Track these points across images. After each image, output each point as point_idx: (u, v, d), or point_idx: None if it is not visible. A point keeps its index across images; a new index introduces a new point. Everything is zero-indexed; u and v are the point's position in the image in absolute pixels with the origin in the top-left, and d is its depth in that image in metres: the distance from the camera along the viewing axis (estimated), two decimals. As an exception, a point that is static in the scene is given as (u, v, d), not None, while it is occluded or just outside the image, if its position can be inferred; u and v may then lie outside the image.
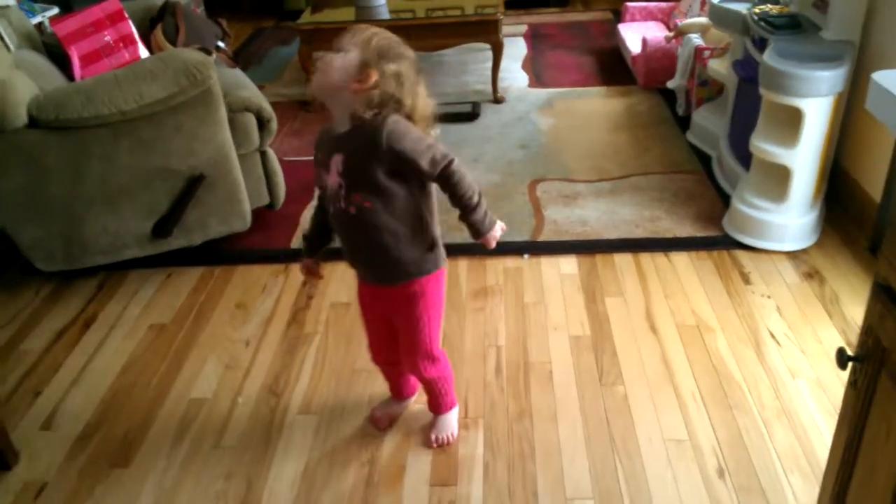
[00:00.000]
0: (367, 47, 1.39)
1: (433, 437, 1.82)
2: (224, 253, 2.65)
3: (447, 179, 1.44)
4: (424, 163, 1.40)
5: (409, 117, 1.43)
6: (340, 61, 1.38)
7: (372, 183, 1.41)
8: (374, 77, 1.37)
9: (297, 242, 2.70)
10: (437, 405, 1.83)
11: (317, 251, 1.68)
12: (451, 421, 1.85)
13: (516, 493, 1.69)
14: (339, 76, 1.38)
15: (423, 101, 1.45)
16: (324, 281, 2.47)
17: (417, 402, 1.94)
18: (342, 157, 1.42)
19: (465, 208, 1.49)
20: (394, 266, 1.53)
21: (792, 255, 2.45)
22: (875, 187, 2.43)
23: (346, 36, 1.41)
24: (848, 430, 1.12)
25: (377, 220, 1.45)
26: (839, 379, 1.88)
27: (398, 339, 1.69)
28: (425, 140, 1.41)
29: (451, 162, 1.42)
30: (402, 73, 1.40)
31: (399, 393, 1.91)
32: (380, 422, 1.88)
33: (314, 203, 1.63)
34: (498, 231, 1.55)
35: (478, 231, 1.52)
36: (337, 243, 1.61)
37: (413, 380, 1.90)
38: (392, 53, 1.40)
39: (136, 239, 2.48)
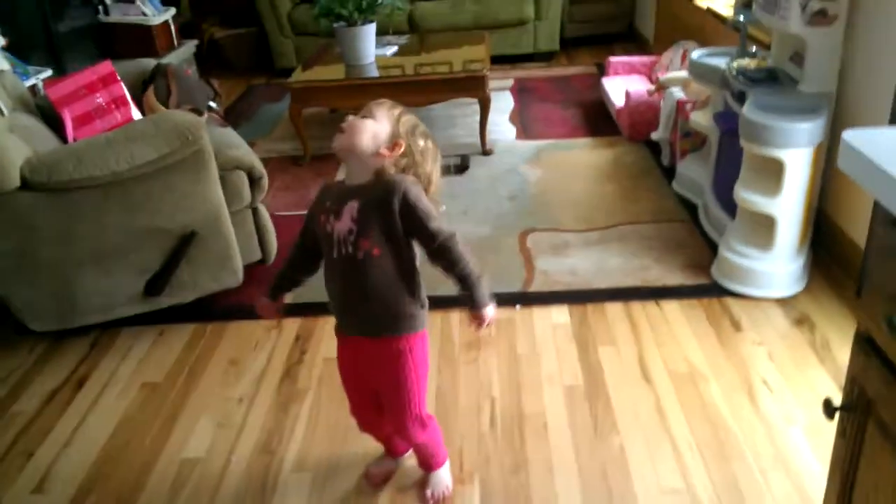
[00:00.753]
0: (398, 121, 1.49)
1: (428, 493, 1.81)
2: (216, 309, 2.66)
3: (450, 250, 1.50)
4: (432, 227, 1.47)
5: (425, 190, 1.51)
6: (372, 127, 1.47)
7: (383, 232, 1.47)
8: (402, 147, 1.48)
9: (289, 297, 2.70)
10: (429, 465, 1.82)
11: (282, 293, 1.71)
12: (444, 476, 1.84)
13: (514, 549, 1.67)
14: (370, 141, 1.46)
15: (437, 182, 1.55)
16: (317, 336, 2.48)
17: (411, 457, 1.93)
18: (358, 203, 1.46)
19: (467, 278, 1.53)
20: (387, 317, 1.54)
21: (781, 302, 2.48)
22: (859, 234, 2.48)
23: (373, 106, 1.51)
24: (840, 479, 1.13)
25: (382, 268, 1.49)
26: (833, 425, 1.89)
27: (382, 404, 1.68)
28: (436, 211, 1.50)
29: (454, 234, 1.50)
30: (429, 150, 1.53)
31: (393, 451, 1.90)
32: (374, 479, 1.87)
33: (291, 251, 1.67)
34: (492, 311, 1.57)
35: (479, 302, 1.55)
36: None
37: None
38: (419, 131, 1.52)
39: (128, 297, 2.48)
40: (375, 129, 1.47)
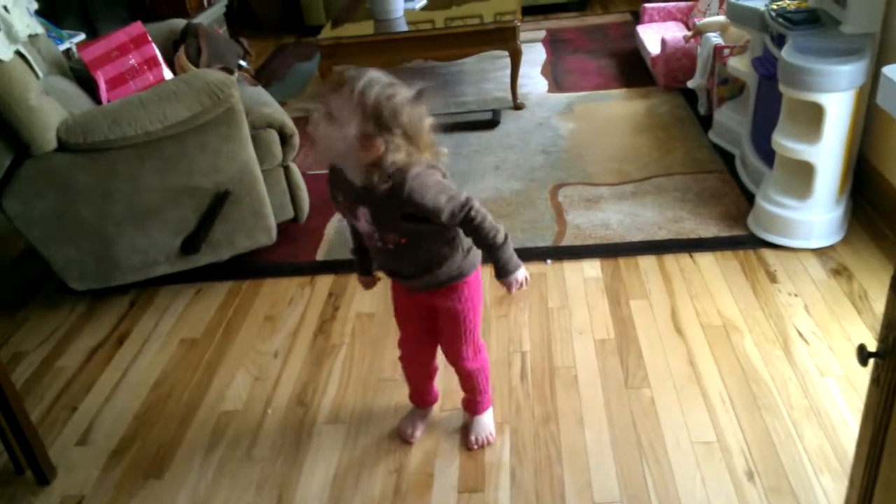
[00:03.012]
0: (362, 114, 1.31)
1: (472, 438, 1.84)
2: (251, 267, 2.70)
3: (469, 224, 1.47)
4: (445, 216, 1.43)
5: (418, 148, 1.40)
6: (338, 135, 1.32)
7: (401, 228, 1.47)
8: (381, 148, 1.34)
9: (322, 254, 2.74)
10: (476, 403, 1.85)
11: (369, 268, 1.72)
12: (488, 421, 1.87)
13: (544, 498, 1.69)
14: (343, 149, 1.35)
15: (428, 133, 1.40)
16: (348, 292, 2.50)
17: (444, 409, 1.96)
18: (368, 210, 1.46)
19: (490, 248, 1.51)
20: (435, 277, 1.58)
21: (819, 252, 2.42)
22: (902, 181, 2.40)
23: (332, 102, 1.33)
24: (872, 426, 1.11)
25: (414, 250, 1.52)
26: (867, 374, 1.86)
27: (437, 336, 1.74)
28: (444, 191, 1.42)
29: (470, 208, 1.44)
30: (408, 126, 1.34)
31: (422, 399, 1.92)
32: (408, 435, 1.89)
33: (341, 223, 1.69)
34: (521, 275, 1.56)
35: (504, 269, 1.54)
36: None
37: (436, 387, 1.91)
38: (389, 112, 1.31)
39: (165, 256, 2.53)
40: (340, 137, 1.32)
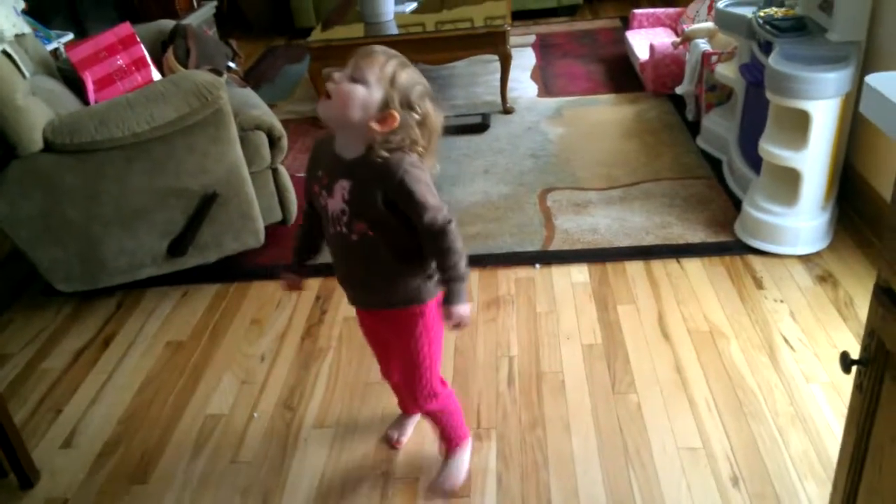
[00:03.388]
0: (391, 85, 1.31)
1: (435, 482, 1.74)
2: (239, 269, 2.69)
3: (443, 238, 1.38)
4: (427, 217, 1.35)
5: (428, 143, 1.39)
6: (361, 96, 1.30)
7: (377, 214, 1.36)
8: (397, 121, 1.31)
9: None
10: (446, 442, 1.75)
11: (304, 264, 1.62)
12: (456, 469, 1.74)
13: (530, 504, 1.70)
14: (359, 112, 1.30)
15: (437, 139, 1.40)
16: (337, 296, 2.49)
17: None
18: (350, 183, 1.36)
19: (452, 273, 1.40)
20: (391, 292, 1.48)
21: (805, 259, 2.44)
22: (887, 188, 2.42)
23: (365, 62, 1.31)
24: (855, 433, 1.12)
25: (378, 249, 1.41)
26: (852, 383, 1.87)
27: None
28: (434, 194, 1.37)
29: (451, 222, 1.38)
30: (427, 119, 1.35)
31: (407, 407, 1.91)
32: (394, 440, 1.88)
33: (304, 217, 1.59)
34: (467, 311, 1.42)
35: (456, 297, 1.41)
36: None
37: None
38: (416, 93, 1.33)
39: (152, 258, 2.52)
40: (365, 97, 1.29)
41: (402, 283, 1.47)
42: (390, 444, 1.88)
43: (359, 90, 1.30)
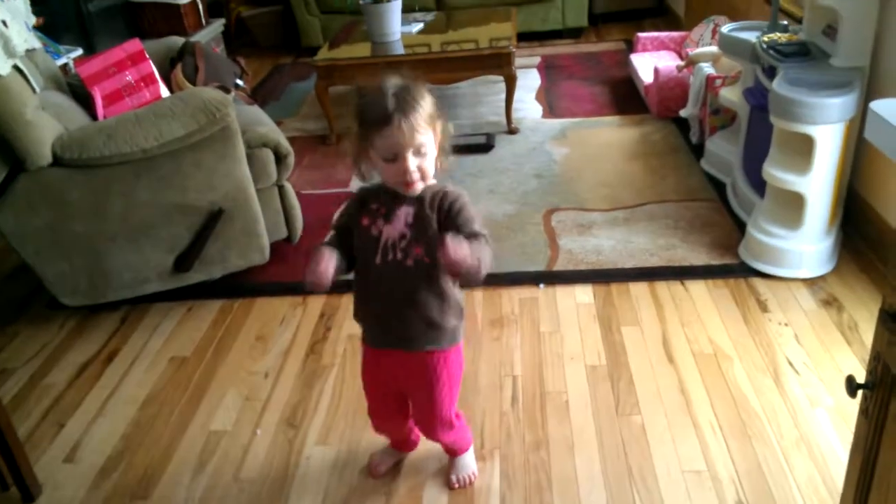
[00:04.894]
0: (435, 122, 1.39)
1: (454, 478, 1.80)
2: (243, 286, 2.69)
3: (481, 242, 1.42)
4: (475, 228, 1.42)
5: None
6: (432, 158, 1.41)
7: (434, 239, 1.39)
8: (438, 134, 1.41)
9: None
10: (454, 452, 1.81)
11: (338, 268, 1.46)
12: (469, 461, 1.82)
13: (533, 525, 1.69)
14: (422, 122, 1.37)
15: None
16: (341, 313, 2.50)
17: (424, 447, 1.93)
18: (414, 209, 1.42)
19: (472, 275, 1.40)
20: (431, 329, 1.50)
21: (809, 283, 2.44)
22: (892, 213, 2.43)
23: (415, 122, 1.34)
24: (861, 457, 1.12)
25: (431, 276, 1.45)
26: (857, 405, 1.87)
27: (408, 407, 1.69)
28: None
29: (487, 238, 1.43)
30: (445, 140, 1.44)
31: (401, 447, 1.88)
32: (375, 467, 1.85)
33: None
34: (466, 254, 1.36)
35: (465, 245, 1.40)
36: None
37: (416, 434, 1.87)
38: (440, 114, 1.42)
39: (157, 273, 2.53)
40: (433, 149, 1.40)
41: (442, 320, 1.50)
42: (370, 468, 1.85)
43: (430, 156, 1.40)
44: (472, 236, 1.39)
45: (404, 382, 1.62)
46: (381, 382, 1.66)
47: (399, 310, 1.49)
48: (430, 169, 1.42)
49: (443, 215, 1.42)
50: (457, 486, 1.79)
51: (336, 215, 1.52)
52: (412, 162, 1.37)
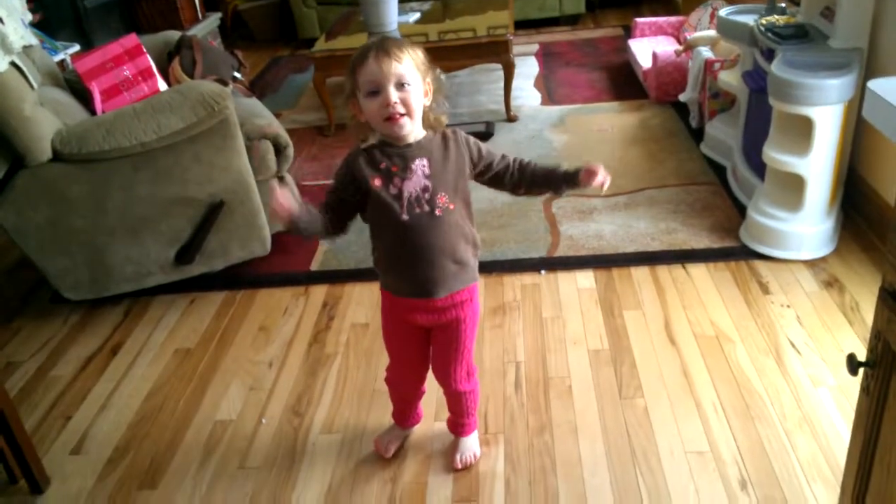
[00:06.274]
0: (423, 66, 1.43)
1: (457, 458, 1.82)
2: (245, 277, 2.70)
3: (525, 164, 1.59)
4: (501, 154, 1.55)
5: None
6: (417, 93, 1.42)
7: (457, 184, 1.48)
8: (432, 91, 1.47)
9: (316, 265, 2.74)
10: (462, 426, 1.82)
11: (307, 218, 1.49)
12: (473, 443, 1.85)
13: (538, 508, 1.70)
14: (420, 106, 1.44)
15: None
16: (343, 302, 2.50)
17: (438, 418, 1.96)
18: (427, 160, 1.45)
19: (555, 170, 1.58)
20: (460, 271, 1.55)
21: (810, 264, 2.44)
22: (891, 192, 2.43)
23: (396, 60, 1.38)
24: (863, 435, 1.13)
25: (458, 221, 1.50)
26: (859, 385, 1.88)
27: (433, 355, 1.70)
28: None
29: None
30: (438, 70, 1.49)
31: (407, 421, 1.90)
32: (384, 450, 1.87)
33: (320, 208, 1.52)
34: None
35: (574, 179, 1.54)
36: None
37: (420, 409, 1.90)
38: (428, 62, 1.46)
39: (159, 266, 2.54)
40: (418, 92, 1.42)
41: (472, 258, 1.57)
42: (379, 451, 1.87)
43: (414, 90, 1.40)
44: (522, 169, 1.57)
45: (431, 327, 1.64)
46: (405, 331, 1.66)
47: (432, 259, 1.51)
48: (417, 108, 1.42)
49: (472, 151, 1.50)
50: (460, 466, 1.81)
51: (335, 176, 1.51)
52: (393, 94, 1.38)
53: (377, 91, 1.38)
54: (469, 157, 1.50)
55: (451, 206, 1.47)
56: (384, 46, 1.38)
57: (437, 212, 1.46)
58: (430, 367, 1.75)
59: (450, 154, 1.48)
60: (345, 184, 1.49)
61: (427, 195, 1.45)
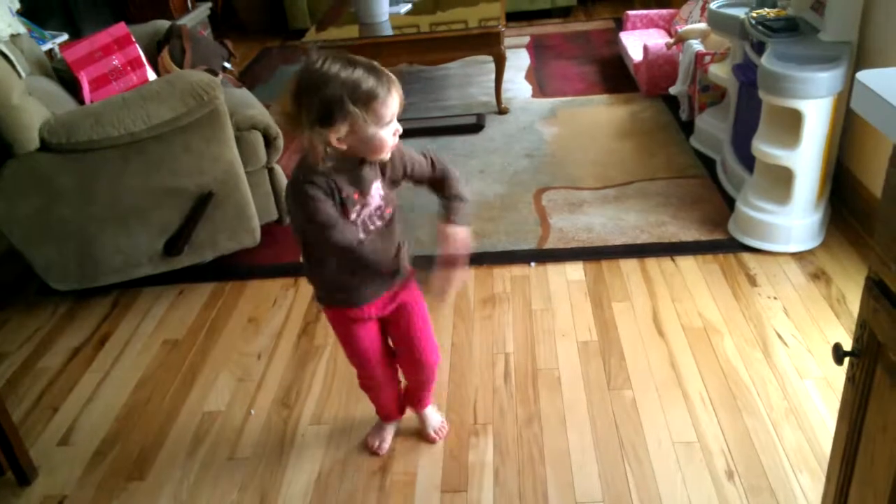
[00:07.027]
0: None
1: (431, 431, 1.88)
2: (235, 268, 2.69)
3: (448, 169, 1.58)
4: (432, 160, 1.55)
5: None
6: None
7: (392, 194, 1.55)
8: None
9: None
10: (421, 399, 1.86)
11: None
12: (432, 412, 1.91)
13: (527, 498, 1.71)
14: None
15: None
16: (333, 294, 2.50)
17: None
18: (380, 181, 1.50)
19: (461, 193, 1.57)
20: (407, 252, 1.62)
21: (798, 256, 2.46)
22: (878, 186, 2.44)
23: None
24: (848, 424, 1.14)
25: (397, 220, 1.57)
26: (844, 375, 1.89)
27: (397, 341, 1.72)
28: None
29: (436, 158, 1.58)
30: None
31: (392, 413, 1.89)
32: (377, 447, 1.87)
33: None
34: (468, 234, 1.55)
35: (464, 220, 1.54)
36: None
37: (402, 399, 1.90)
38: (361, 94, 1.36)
39: (148, 257, 2.52)
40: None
41: (407, 247, 1.63)
42: (372, 450, 1.88)
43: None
44: (442, 171, 1.56)
45: (393, 318, 1.67)
46: (363, 330, 1.66)
47: (388, 255, 1.57)
48: None
49: (406, 165, 1.53)
50: (436, 437, 1.87)
51: (323, 213, 1.41)
52: (398, 134, 1.44)
53: (391, 120, 1.39)
54: (399, 170, 1.53)
55: (389, 211, 1.54)
56: (393, 77, 1.41)
57: (385, 221, 1.54)
58: (397, 359, 1.76)
59: (391, 171, 1.51)
60: (331, 206, 1.43)
61: (378, 212, 1.52)
